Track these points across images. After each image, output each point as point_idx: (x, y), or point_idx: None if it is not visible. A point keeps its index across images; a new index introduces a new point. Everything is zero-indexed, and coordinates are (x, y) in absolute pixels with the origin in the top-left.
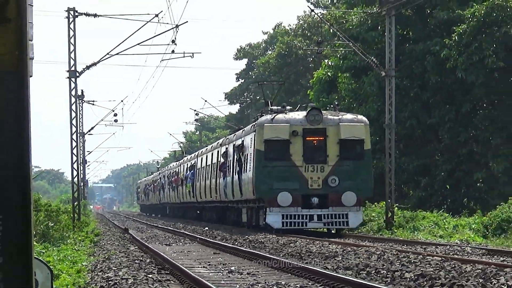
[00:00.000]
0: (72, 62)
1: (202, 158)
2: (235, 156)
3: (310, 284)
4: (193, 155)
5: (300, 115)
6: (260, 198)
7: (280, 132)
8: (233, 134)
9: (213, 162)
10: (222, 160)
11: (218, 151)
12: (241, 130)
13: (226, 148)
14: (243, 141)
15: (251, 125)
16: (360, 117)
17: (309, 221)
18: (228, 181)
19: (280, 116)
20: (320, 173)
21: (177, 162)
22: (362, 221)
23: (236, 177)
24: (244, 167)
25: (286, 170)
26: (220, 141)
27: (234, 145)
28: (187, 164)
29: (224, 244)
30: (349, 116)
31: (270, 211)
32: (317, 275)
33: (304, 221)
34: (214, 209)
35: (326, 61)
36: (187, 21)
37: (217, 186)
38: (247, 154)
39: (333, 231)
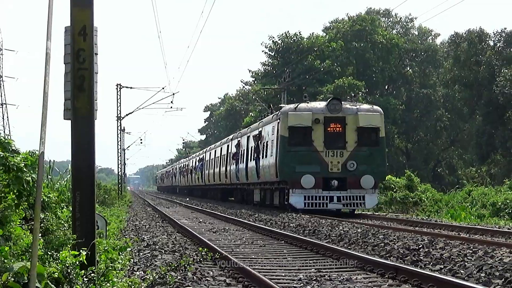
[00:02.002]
0: (118, 112)
1: (210, 153)
2: (252, 145)
3: (241, 228)
4: (201, 151)
5: (321, 104)
6: (284, 180)
7: (303, 119)
8: (247, 128)
9: (222, 154)
10: (234, 150)
11: (228, 145)
12: (258, 122)
13: (238, 141)
14: (260, 131)
15: (272, 115)
16: (375, 107)
17: (329, 202)
18: (241, 167)
19: (303, 105)
20: (340, 158)
21: (186, 158)
22: (377, 202)
23: (252, 163)
24: (262, 153)
25: (308, 155)
26: (231, 136)
27: (248, 136)
28: (196, 159)
29: (196, 207)
30: (366, 106)
31: (293, 193)
32: (244, 224)
33: (324, 202)
34: (219, 190)
35: (251, 113)
36: (179, 91)
37: (226, 172)
38: (267, 142)
39: (346, 211)
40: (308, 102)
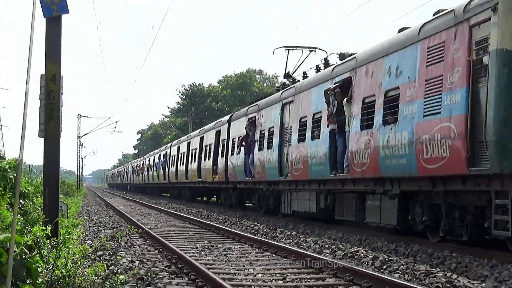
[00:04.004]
0: (79, 133)
1: (179, 147)
2: (310, 112)
3: (159, 213)
4: (163, 148)
5: None
6: (504, 174)
7: None
8: (280, 92)
9: (205, 145)
10: (241, 133)
11: (219, 131)
12: (338, 64)
13: (251, 119)
14: (355, 73)
15: (440, 13)
16: None
17: None
18: (262, 156)
19: None
20: None
21: (139, 159)
22: None
23: (305, 144)
24: (363, 120)
25: None
26: (226, 118)
27: (284, 104)
28: (154, 156)
29: (130, 198)
30: None
31: None
32: (171, 213)
33: None
34: (192, 190)
35: (168, 136)
36: (120, 120)
37: (217, 167)
38: (402, 87)
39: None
40: None
